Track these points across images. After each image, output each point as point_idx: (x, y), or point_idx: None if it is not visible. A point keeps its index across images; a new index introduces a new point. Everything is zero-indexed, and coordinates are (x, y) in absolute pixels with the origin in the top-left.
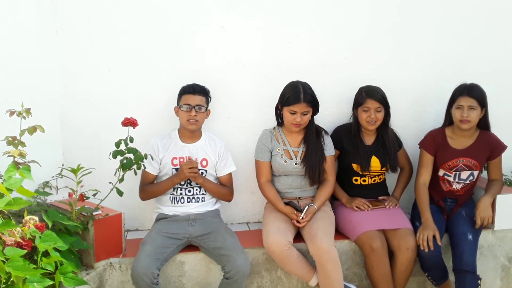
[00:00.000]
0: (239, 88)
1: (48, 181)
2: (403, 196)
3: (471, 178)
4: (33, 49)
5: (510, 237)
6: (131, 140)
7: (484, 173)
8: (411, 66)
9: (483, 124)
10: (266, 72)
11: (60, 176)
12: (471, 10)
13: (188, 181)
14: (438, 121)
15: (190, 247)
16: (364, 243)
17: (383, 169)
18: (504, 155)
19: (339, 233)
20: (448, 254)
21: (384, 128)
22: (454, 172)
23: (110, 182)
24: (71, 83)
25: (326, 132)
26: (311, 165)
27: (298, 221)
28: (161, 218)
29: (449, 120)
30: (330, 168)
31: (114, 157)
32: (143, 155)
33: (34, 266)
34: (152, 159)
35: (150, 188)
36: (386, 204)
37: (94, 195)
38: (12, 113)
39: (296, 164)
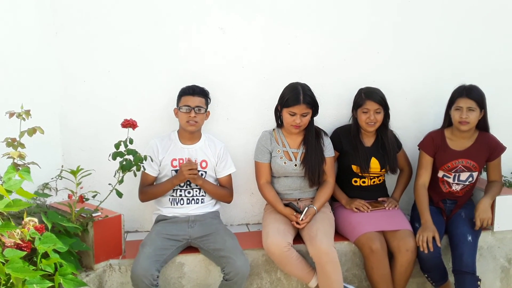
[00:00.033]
0: (239, 89)
1: (48, 183)
2: (403, 197)
3: (470, 179)
4: (33, 49)
5: (510, 238)
6: (131, 141)
7: (484, 175)
8: (410, 67)
9: (482, 125)
10: (265, 73)
11: (60, 177)
12: (471, 10)
13: (188, 183)
14: (437, 122)
15: (190, 249)
16: (364, 245)
17: (383, 170)
18: (503, 156)
19: (339, 235)
20: (447, 256)
21: (383, 129)
22: (453, 174)
23: (109, 184)
24: (71, 84)
25: (325, 134)
26: (311, 167)
27: (297, 223)
28: (160, 219)
29: (448, 121)
30: (329, 170)
31: (114, 158)
32: (142, 156)
33: (34, 267)
34: (152, 160)
35: (149, 189)
36: (385, 205)
37: (93, 196)
38: (11, 114)
39: (295, 165)
